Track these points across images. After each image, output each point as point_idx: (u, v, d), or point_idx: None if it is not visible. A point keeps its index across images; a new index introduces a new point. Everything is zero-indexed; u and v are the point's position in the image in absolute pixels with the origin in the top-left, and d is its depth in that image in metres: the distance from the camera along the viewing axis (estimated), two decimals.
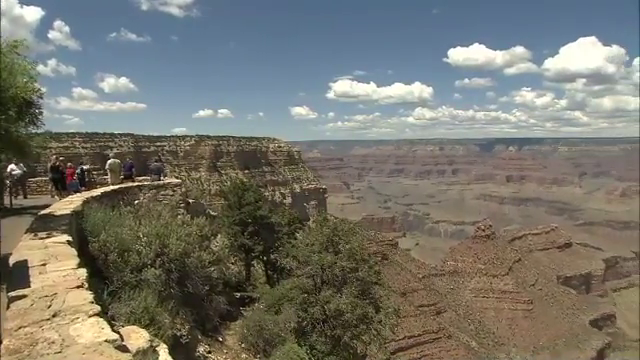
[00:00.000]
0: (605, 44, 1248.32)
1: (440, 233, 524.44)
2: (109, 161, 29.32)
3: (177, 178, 63.93)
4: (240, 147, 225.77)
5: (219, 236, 30.12)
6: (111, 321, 9.03)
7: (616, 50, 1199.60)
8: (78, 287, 6.84)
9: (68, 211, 15.50)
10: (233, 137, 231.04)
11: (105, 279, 12.77)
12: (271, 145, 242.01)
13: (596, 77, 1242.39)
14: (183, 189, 30.83)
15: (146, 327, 9.78)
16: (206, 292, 17.80)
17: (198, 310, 17.76)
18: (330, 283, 23.42)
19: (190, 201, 30.21)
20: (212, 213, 35.44)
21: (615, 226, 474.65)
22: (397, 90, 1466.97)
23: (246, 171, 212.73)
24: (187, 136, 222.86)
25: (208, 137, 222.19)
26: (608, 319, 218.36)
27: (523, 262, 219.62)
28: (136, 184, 27.71)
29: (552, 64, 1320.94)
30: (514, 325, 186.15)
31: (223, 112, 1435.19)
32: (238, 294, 26.56)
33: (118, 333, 5.60)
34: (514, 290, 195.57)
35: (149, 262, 14.71)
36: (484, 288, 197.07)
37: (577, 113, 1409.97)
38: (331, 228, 24.63)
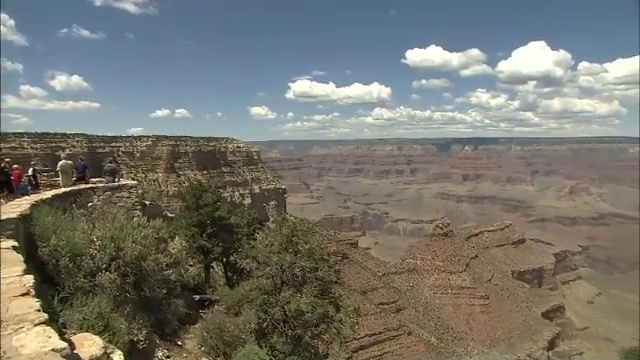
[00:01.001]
0: (553, 48, 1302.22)
1: (399, 231, 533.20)
2: (60, 162, 28.26)
3: (133, 179, 62.46)
4: (198, 148, 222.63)
5: (177, 238, 29.58)
6: (62, 329, 8.72)
7: (563, 55, 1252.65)
8: (24, 295, 6.55)
9: (15, 215, 14.84)
10: (191, 137, 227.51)
11: (56, 285, 12.31)
12: (230, 145, 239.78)
13: (546, 80, 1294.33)
14: (139, 191, 30.10)
15: (100, 333, 9.51)
16: (164, 295, 17.46)
17: (156, 314, 17.41)
18: (290, 283, 23.38)
19: (147, 203, 29.50)
20: (170, 215, 34.71)
21: (564, 222, 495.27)
22: (356, 90, 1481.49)
23: (205, 172, 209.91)
24: (144, 136, 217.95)
25: (165, 137, 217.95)
26: (558, 310, 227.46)
27: (479, 258, 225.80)
28: (90, 186, 26.85)
29: (505, 66, 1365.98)
30: (471, 320, 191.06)
31: (181, 112, 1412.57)
32: (197, 297, 26.12)
33: (69, 341, 5.41)
34: (471, 286, 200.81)
35: (103, 266, 14.31)
36: (442, 285, 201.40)
37: (529, 114, 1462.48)
38: (290, 228, 24.58)
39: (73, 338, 6.75)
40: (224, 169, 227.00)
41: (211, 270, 33.79)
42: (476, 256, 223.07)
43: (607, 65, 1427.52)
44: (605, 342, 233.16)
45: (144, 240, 16.21)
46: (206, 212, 31.28)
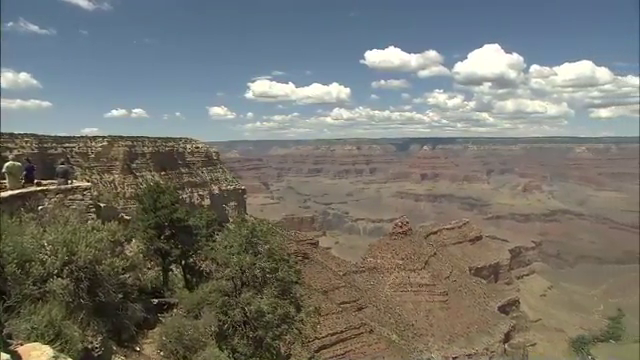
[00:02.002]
0: (507, 51, 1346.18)
1: (359, 231, 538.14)
2: (7, 164, 26.95)
3: (87, 181, 60.47)
4: (156, 148, 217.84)
5: (134, 241, 28.83)
6: (6, 340, 8.31)
7: (516, 57, 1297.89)
8: None
9: None
10: (148, 138, 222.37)
11: (2, 294, 11.75)
12: (188, 146, 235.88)
13: (500, 81, 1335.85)
14: (94, 192, 29.18)
15: (51, 342, 9.15)
16: (120, 300, 16.97)
17: (112, 319, 16.89)
18: (250, 284, 23.21)
19: (102, 205, 28.61)
20: (126, 217, 33.77)
21: (518, 218, 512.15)
22: (315, 91, 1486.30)
23: (163, 173, 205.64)
24: (99, 137, 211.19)
25: (122, 138, 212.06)
26: (513, 304, 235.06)
27: (438, 256, 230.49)
28: (40, 188, 25.79)
29: (462, 68, 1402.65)
30: (431, 316, 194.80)
31: (137, 112, 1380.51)
32: (156, 300, 25.55)
33: (14, 353, 5.14)
34: (430, 283, 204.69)
35: (55, 272, 13.79)
36: (402, 282, 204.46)
37: (484, 114, 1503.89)
38: (250, 229, 24.41)
39: (19, 349, 6.44)
40: (183, 170, 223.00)
41: (170, 273, 33.12)
42: (435, 254, 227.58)
43: (556, 68, 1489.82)
44: (556, 332, 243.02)
45: (99, 244, 15.71)
46: (164, 214, 30.63)
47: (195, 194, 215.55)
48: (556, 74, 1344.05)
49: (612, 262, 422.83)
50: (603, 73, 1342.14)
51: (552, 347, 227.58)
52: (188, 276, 33.30)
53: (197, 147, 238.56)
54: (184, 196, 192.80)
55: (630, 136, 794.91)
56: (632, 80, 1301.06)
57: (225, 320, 22.36)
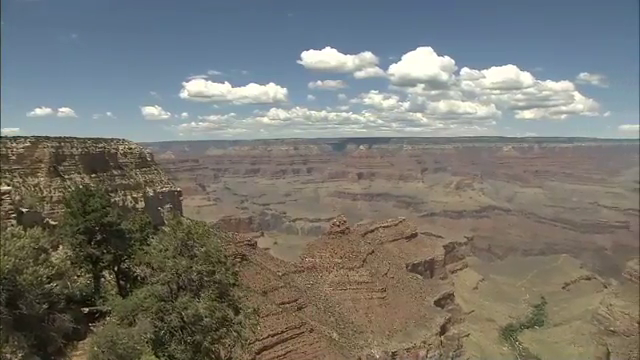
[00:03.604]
0: (439, 54, 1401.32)
1: (297, 231, 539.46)
2: None
3: (8, 185, 56.74)
4: (86, 149, 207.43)
5: (61, 247, 27.35)
6: None
7: (448, 60, 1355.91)
8: None
9: None
10: (77, 138, 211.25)
11: None
12: (121, 147, 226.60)
13: (433, 83, 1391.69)
14: (17, 197, 27.42)
15: None
16: (45, 311, 16.01)
17: (36, 332, 15.90)
18: (187, 288, 22.64)
19: (23, 210, 26.94)
20: (52, 222, 32.01)
21: (452, 215, 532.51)
22: (252, 90, 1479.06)
23: (93, 175, 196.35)
24: (21, 137, 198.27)
25: (47, 138, 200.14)
26: (448, 298, 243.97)
27: (376, 253, 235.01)
28: None
29: (396, 69, 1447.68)
30: (370, 313, 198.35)
31: (64, 111, 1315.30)
32: (86, 309, 24.38)
33: None
34: (369, 280, 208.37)
35: None
36: (341, 281, 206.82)
37: (418, 115, 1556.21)
38: (185, 231, 23.79)
39: None
40: (115, 172, 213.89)
41: (102, 279, 31.73)
42: (372, 251, 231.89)
43: (485, 71, 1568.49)
44: (488, 322, 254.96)
45: (20, 251, 14.78)
46: (94, 218, 29.24)
47: (128, 197, 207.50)
48: (485, 77, 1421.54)
49: (536, 254, 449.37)
50: (526, 77, 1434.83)
51: (484, 336, 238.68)
52: (121, 282, 32.00)
53: (130, 148, 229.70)
54: (117, 199, 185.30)
55: (550, 136, 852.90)
56: (550, 84, 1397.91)
57: (161, 326, 21.70)
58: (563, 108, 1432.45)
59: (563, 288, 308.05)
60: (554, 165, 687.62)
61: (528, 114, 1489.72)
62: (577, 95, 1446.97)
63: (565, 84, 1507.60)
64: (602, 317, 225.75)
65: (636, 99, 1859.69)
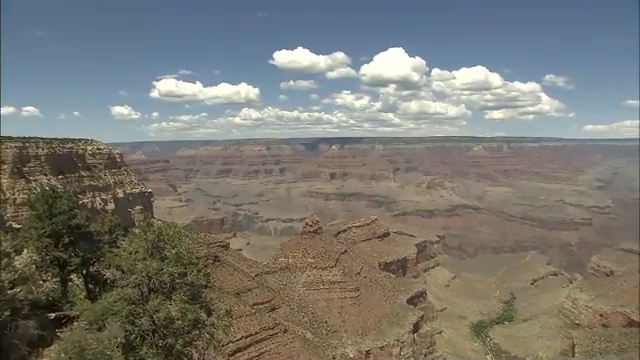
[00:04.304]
0: (410, 55, 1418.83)
1: (270, 231, 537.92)
2: None
3: None
4: (52, 150, 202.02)
5: (25, 251, 26.53)
6: None
7: (419, 61, 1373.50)
8: None
9: None
10: (43, 139, 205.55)
11: None
12: (89, 147, 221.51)
13: (404, 83, 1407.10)
14: None
15: None
16: (7, 318, 15.46)
17: None
18: (158, 291, 22.26)
19: None
20: (16, 225, 31.01)
21: (423, 214, 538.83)
22: (224, 90, 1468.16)
23: (60, 176, 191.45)
24: None
25: (10, 138, 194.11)
26: (421, 296, 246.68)
27: (349, 253, 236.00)
28: None
29: (368, 70, 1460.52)
30: (344, 312, 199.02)
31: (29, 110, 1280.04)
32: (53, 315, 23.70)
33: None
34: (342, 280, 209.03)
35: None
36: (315, 281, 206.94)
37: (390, 115, 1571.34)
38: (156, 233, 23.40)
39: None
40: (83, 173, 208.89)
41: (70, 284, 30.93)
42: (345, 251, 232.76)
43: (455, 72, 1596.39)
44: (459, 319, 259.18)
45: None
46: (61, 220, 28.48)
47: (97, 198, 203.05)
48: (455, 78, 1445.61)
49: (506, 251, 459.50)
50: (495, 78, 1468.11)
51: (456, 333, 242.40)
52: (90, 286, 31.28)
53: (99, 148, 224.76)
54: (85, 201, 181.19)
55: (518, 136, 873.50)
56: (518, 85, 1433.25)
57: (132, 330, 21.27)
58: (530, 109, 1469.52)
59: (531, 284, 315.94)
60: (522, 164, 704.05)
61: (497, 114, 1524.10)
62: (544, 96, 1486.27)
63: (532, 85, 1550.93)
64: (568, 311, 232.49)
65: (599, 101, 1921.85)
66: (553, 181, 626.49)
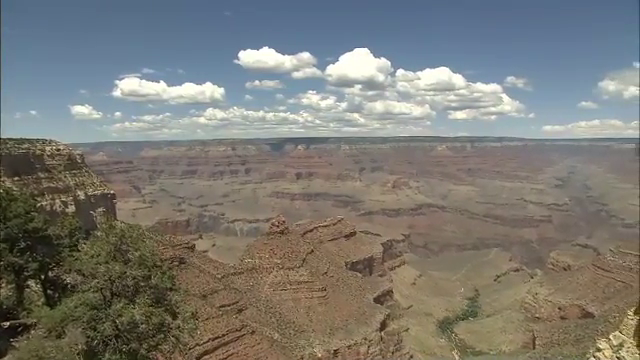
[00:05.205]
0: (376, 56, 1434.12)
1: (236, 232, 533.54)
2: None
3: None
4: (7, 150, 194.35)
5: None
6: None
7: (384, 62, 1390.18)
8: None
9: None
10: None
11: None
12: (48, 148, 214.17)
13: (370, 84, 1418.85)
14: None
15: None
16: None
17: None
18: (121, 294, 21.68)
19: None
20: None
21: (389, 213, 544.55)
22: (188, 90, 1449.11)
23: (16, 178, 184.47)
24: None
25: None
26: (387, 294, 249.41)
27: (315, 253, 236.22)
28: None
29: (334, 70, 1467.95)
30: (311, 312, 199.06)
31: None
32: (7, 323, 22.74)
33: None
34: (309, 280, 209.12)
35: None
36: (282, 281, 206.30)
37: (355, 115, 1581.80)
38: (118, 235, 22.79)
39: None
40: (41, 175, 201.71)
41: (26, 290, 29.78)
42: (312, 251, 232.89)
43: (419, 73, 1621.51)
44: (425, 316, 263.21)
45: None
46: (16, 224, 27.40)
47: (57, 201, 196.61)
48: (419, 78, 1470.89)
49: (470, 248, 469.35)
50: (458, 79, 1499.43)
51: (423, 330, 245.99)
52: (49, 291, 30.21)
53: (58, 149, 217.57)
54: (44, 203, 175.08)
55: (481, 136, 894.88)
56: (481, 87, 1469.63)
57: (94, 336, 20.65)
58: (492, 109, 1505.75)
59: (494, 280, 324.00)
60: (485, 163, 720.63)
61: (460, 115, 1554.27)
62: (505, 97, 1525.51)
63: (494, 86, 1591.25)
64: (529, 305, 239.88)
65: (556, 102, 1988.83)
66: (514, 180, 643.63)
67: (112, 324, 20.77)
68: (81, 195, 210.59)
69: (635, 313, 26.10)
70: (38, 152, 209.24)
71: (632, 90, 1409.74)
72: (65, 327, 21.02)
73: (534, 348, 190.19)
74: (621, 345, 25.88)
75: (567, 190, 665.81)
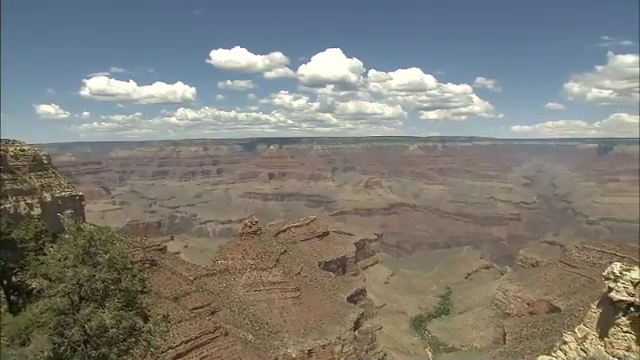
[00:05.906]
0: (348, 56, 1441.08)
1: (208, 233, 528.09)
2: None
3: None
4: None
5: None
6: None
7: (356, 62, 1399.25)
8: None
9: None
10: None
11: None
12: (11, 148, 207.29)
13: (342, 84, 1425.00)
14: None
15: None
16: None
17: None
18: (90, 298, 21.20)
19: None
20: None
21: (362, 213, 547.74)
22: (159, 89, 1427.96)
23: None
24: None
25: None
26: (360, 293, 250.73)
27: (289, 253, 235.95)
28: None
29: (306, 70, 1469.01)
30: (285, 312, 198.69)
31: None
32: None
33: None
34: (283, 280, 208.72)
35: None
36: (255, 282, 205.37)
37: (328, 115, 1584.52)
38: (87, 238, 22.28)
39: None
40: (5, 176, 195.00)
41: None
42: (285, 251, 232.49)
43: (391, 73, 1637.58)
44: (399, 315, 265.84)
45: None
46: None
47: (22, 203, 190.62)
48: (391, 79, 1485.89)
49: (441, 247, 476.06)
50: (429, 80, 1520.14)
51: (396, 328, 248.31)
52: (13, 297, 29.33)
53: (22, 150, 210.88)
54: (7, 206, 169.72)
55: (452, 136, 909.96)
56: (451, 87, 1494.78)
57: (61, 342, 20.13)
58: (463, 109, 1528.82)
59: (466, 278, 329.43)
60: (456, 163, 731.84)
61: (432, 115, 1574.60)
62: (475, 98, 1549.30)
63: (464, 87, 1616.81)
64: (499, 302, 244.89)
65: (524, 102, 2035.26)
66: (484, 179, 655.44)
67: (80, 329, 20.29)
68: (47, 197, 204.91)
69: (597, 306, 26.96)
70: (1, 153, 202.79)
71: (594, 92, 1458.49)
72: (30, 334, 20.43)
73: (504, 343, 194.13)
74: (585, 337, 26.69)
75: (535, 189, 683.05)
